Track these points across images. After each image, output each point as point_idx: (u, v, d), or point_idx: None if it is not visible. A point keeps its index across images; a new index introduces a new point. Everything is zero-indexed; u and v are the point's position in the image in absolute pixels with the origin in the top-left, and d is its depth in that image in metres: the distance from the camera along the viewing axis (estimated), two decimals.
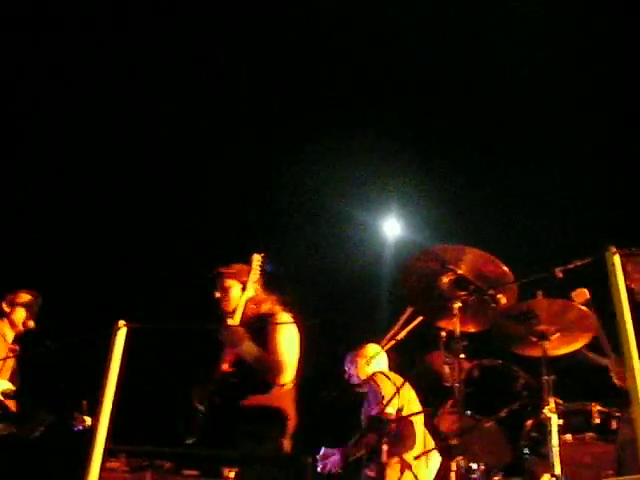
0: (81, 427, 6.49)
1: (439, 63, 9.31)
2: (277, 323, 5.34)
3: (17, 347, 6.92)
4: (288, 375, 5.28)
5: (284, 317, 5.46)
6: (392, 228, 10.59)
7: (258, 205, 10.24)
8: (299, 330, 5.42)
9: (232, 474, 4.21)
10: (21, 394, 6.61)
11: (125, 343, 4.16)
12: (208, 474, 4.27)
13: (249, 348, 5.27)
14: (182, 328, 5.15)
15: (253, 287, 5.58)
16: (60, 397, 6.69)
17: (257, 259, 5.64)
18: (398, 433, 5.97)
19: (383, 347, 6.02)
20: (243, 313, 5.52)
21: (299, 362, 5.39)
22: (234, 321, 5.40)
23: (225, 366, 5.45)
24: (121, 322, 4.17)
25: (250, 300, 5.56)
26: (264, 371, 5.27)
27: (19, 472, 6.05)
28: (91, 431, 4.04)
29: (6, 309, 6.92)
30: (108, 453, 4.18)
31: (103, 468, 4.03)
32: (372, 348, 6.52)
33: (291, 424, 5.32)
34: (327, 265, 10.28)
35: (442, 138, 9.40)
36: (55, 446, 6.38)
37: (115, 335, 4.14)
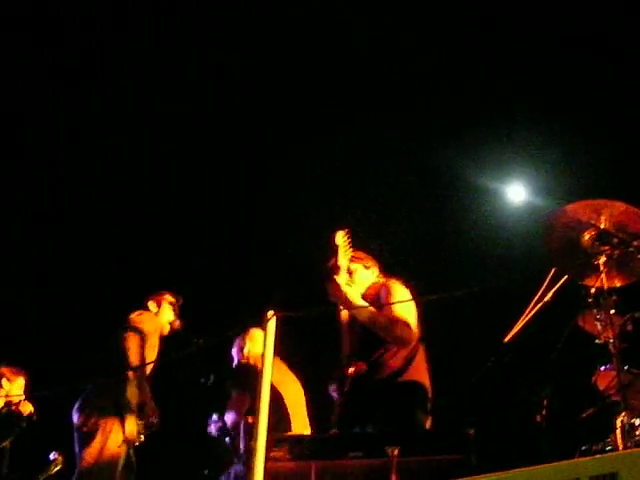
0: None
1: None
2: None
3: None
4: (409, 331, 5.28)
5: (397, 285, 5.48)
6: (517, 194, 10.39)
7: (382, 176, 10.15)
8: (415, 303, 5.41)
9: (396, 452, 4.20)
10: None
11: (276, 332, 4.20)
12: (372, 454, 4.27)
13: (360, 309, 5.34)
14: (330, 312, 5.17)
15: (346, 264, 5.59)
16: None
17: (341, 235, 5.62)
18: None
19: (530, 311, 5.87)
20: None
21: (421, 331, 5.38)
22: (340, 278, 5.42)
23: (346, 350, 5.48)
24: (270, 312, 4.19)
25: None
26: (384, 330, 5.28)
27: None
28: (253, 422, 4.08)
29: (153, 309, 6.95)
30: (272, 443, 4.23)
31: (267, 458, 4.07)
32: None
33: (428, 395, 5.30)
34: (451, 234, 10.19)
35: (567, 95, 9.13)
36: None
37: (266, 325, 4.17)
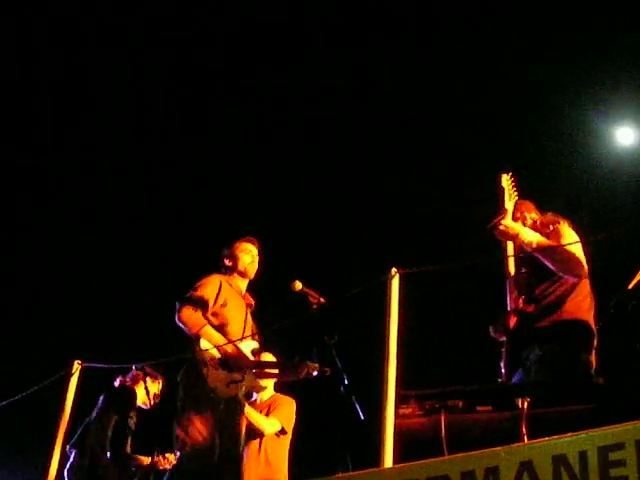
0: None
1: None
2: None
3: (252, 301, 6.22)
4: (579, 265, 5.12)
5: (564, 227, 5.36)
6: (626, 136, 10.16)
7: (494, 118, 10.05)
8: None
9: (525, 403, 4.18)
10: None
11: (400, 289, 4.20)
12: (501, 407, 4.25)
13: (527, 236, 5.18)
14: (456, 268, 5.09)
15: (512, 205, 5.45)
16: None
17: (506, 179, 5.49)
18: None
19: None
20: None
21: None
22: (505, 220, 5.30)
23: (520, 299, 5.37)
24: (394, 269, 4.20)
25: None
26: (553, 260, 5.15)
27: None
28: (380, 379, 4.10)
29: (228, 264, 6.14)
30: (399, 400, 4.24)
31: (396, 415, 4.09)
32: None
33: (591, 336, 5.14)
34: (557, 175, 10.02)
35: None
36: None
37: (390, 283, 4.18)
